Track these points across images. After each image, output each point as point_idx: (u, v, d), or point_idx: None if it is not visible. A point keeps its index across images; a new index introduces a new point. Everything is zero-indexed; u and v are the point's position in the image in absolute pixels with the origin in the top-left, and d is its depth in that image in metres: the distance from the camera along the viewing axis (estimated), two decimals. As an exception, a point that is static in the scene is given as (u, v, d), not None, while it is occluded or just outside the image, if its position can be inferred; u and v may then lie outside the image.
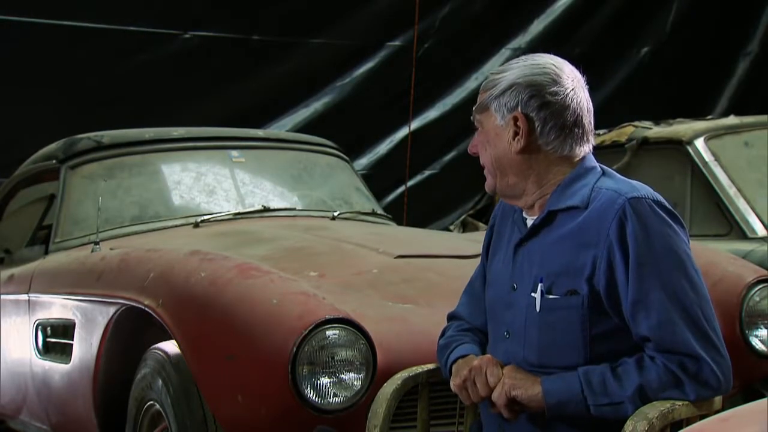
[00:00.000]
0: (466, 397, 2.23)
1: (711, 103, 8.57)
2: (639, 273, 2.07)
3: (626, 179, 2.21)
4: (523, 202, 2.24)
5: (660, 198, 2.15)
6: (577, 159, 2.21)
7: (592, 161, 2.23)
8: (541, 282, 2.15)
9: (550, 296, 2.14)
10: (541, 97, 2.17)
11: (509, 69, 2.22)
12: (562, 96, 2.17)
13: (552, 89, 2.17)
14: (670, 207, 2.15)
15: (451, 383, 2.27)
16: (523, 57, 2.25)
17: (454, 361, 2.29)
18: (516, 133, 2.19)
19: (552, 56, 2.25)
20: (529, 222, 2.25)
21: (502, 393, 2.15)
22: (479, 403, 2.28)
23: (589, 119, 2.22)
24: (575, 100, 2.19)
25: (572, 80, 2.20)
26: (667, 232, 2.11)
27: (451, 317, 2.46)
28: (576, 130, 2.19)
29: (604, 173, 2.22)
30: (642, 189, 2.15)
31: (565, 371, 2.12)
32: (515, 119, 2.19)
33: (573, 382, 2.10)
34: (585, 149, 2.22)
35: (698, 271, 2.13)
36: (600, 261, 2.10)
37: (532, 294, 2.17)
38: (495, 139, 2.23)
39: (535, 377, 2.15)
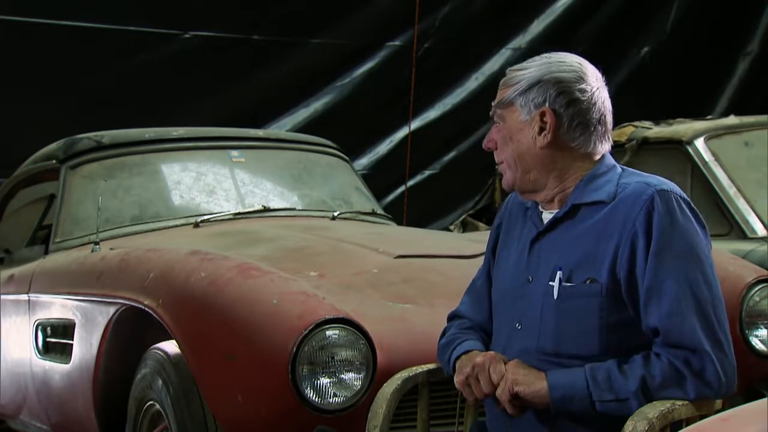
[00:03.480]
0: (470, 393, 2.23)
1: (711, 103, 8.58)
2: (657, 261, 2.10)
3: (652, 174, 2.24)
4: (543, 196, 2.26)
5: (687, 197, 2.19)
6: (598, 157, 2.25)
7: (612, 160, 2.27)
8: (560, 270, 2.17)
9: (569, 284, 2.16)
10: (570, 93, 2.20)
11: (532, 66, 2.25)
12: (588, 93, 2.21)
13: (580, 86, 2.21)
14: (695, 207, 2.18)
15: (455, 380, 2.27)
16: (545, 55, 2.27)
17: (458, 358, 2.29)
18: (542, 129, 2.21)
19: (574, 55, 2.28)
20: (546, 216, 2.26)
21: (506, 389, 2.15)
22: (484, 402, 2.28)
23: (609, 118, 2.26)
24: (600, 99, 2.23)
25: (596, 79, 2.24)
26: (691, 228, 2.14)
27: (453, 317, 2.46)
28: (600, 127, 2.23)
29: (623, 171, 2.25)
30: (670, 184, 2.19)
31: (579, 360, 2.13)
32: (542, 115, 2.21)
33: (578, 377, 2.10)
34: (606, 147, 2.26)
35: (715, 275, 2.16)
36: (623, 248, 2.12)
37: (550, 283, 2.18)
38: (518, 134, 2.24)
39: (539, 372, 2.15)
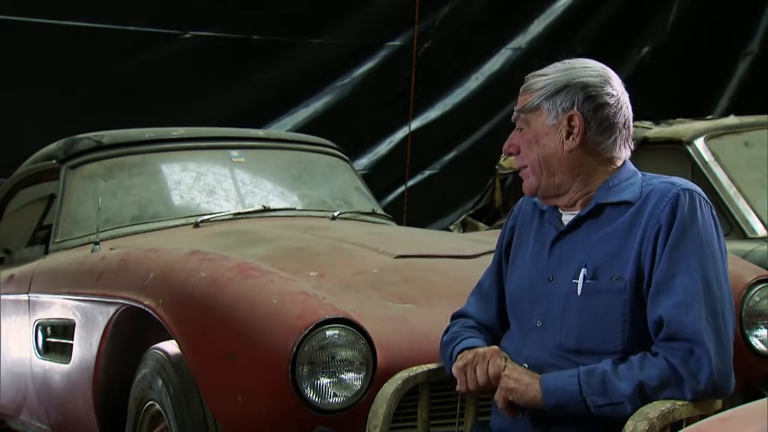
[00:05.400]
0: (464, 382, 2.23)
1: (711, 103, 8.58)
2: (673, 256, 2.12)
3: (675, 176, 2.26)
4: (566, 200, 2.27)
5: (709, 201, 2.22)
6: (620, 162, 2.28)
7: (633, 166, 2.29)
8: (584, 267, 2.18)
9: (594, 281, 2.17)
10: (598, 97, 2.23)
11: (556, 71, 2.26)
12: (615, 97, 2.24)
13: (606, 90, 2.24)
14: (715, 214, 2.21)
15: (453, 366, 2.27)
16: (568, 61, 2.29)
17: (461, 351, 2.29)
18: (569, 133, 2.23)
19: (596, 61, 2.30)
20: (566, 218, 2.27)
21: (500, 397, 2.17)
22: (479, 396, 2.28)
23: (631, 123, 2.29)
24: (625, 103, 2.27)
25: (619, 84, 2.28)
26: (711, 231, 2.17)
27: (457, 316, 2.46)
28: (624, 131, 2.27)
29: (644, 175, 2.28)
30: (695, 186, 2.22)
31: (599, 356, 2.13)
32: (570, 119, 2.22)
33: (572, 382, 2.10)
34: (627, 153, 2.29)
35: (728, 282, 2.17)
36: (647, 244, 2.14)
37: (574, 280, 2.19)
38: (544, 138, 2.25)
39: (533, 378, 2.15)
